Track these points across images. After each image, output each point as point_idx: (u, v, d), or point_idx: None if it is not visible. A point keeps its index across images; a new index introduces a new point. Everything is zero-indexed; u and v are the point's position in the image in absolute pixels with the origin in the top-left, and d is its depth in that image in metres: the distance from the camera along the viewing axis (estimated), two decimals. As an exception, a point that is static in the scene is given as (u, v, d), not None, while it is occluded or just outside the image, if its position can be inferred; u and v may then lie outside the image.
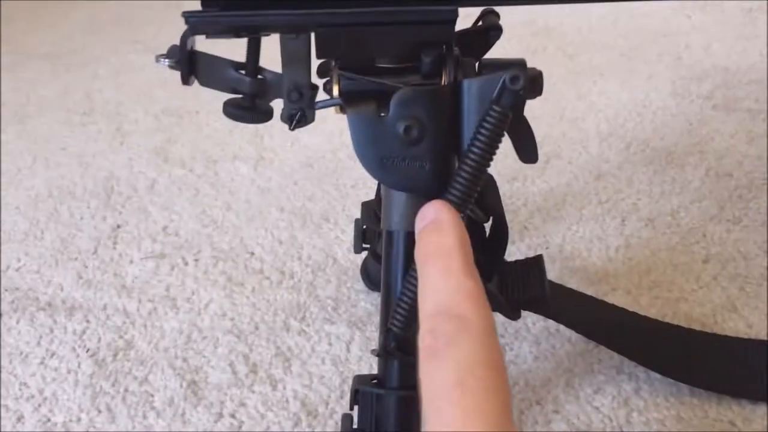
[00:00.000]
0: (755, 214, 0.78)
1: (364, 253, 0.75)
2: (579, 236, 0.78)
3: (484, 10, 0.54)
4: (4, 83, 1.38)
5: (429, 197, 0.49)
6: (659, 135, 0.95)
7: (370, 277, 0.75)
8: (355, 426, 0.51)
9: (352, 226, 0.84)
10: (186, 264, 0.82)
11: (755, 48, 1.15)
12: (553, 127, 0.99)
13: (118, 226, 0.90)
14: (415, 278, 0.46)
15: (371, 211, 0.68)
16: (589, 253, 0.75)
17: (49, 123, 1.21)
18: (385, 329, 0.48)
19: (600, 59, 1.18)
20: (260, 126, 1.11)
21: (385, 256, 0.50)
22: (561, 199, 0.85)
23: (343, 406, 0.62)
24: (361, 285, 0.75)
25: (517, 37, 1.25)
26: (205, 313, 0.74)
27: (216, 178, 0.99)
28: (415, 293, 0.46)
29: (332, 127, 1.07)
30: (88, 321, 0.75)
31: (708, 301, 0.67)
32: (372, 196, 0.73)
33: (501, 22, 0.54)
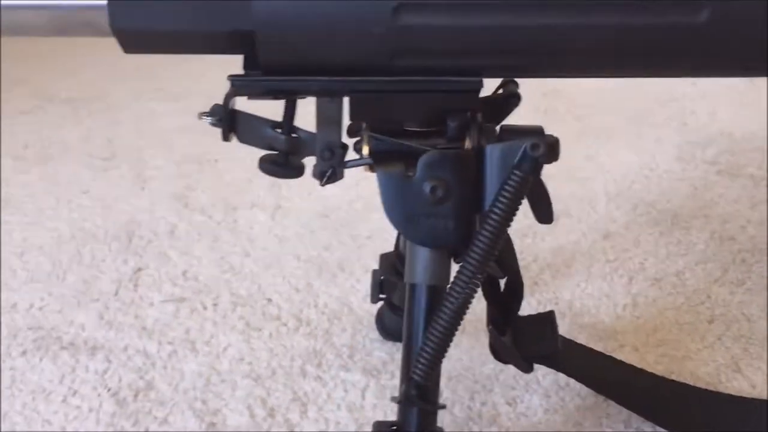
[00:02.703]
0: (758, 278, 0.81)
1: (380, 303, 0.77)
2: (588, 293, 0.81)
3: (505, 79, 0.58)
4: (27, 126, 1.42)
5: (452, 253, 0.52)
6: (665, 198, 0.98)
7: (385, 327, 0.77)
8: (373, 471, 0.53)
9: (367, 276, 0.87)
10: (205, 308, 0.84)
11: (758, 115, 1.19)
12: (562, 185, 1.02)
13: (139, 269, 0.93)
14: (436, 329, 0.49)
15: (389, 262, 0.71)
16: (597, 310, 0.78)
17: (71, 166, 1.25)
18: (407, 377, 0.50)
19: (608, 122, 1.22)
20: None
21: (407, 307, 0.53)
22: (570, 257, 0.88)
23: (358, 452, 0.64)
24: (375, 334, 0.78)
25: (528, 97, 1.29)
26: (223, 356, 0.77)
27: (235, 225, 1.02)
28: (436, 344, 0.49)
29: (348, 179, 1.10)
30: (109, 361, 0.77)
31: (712, 360, 0.70)
32: (387, 247, 0.76)
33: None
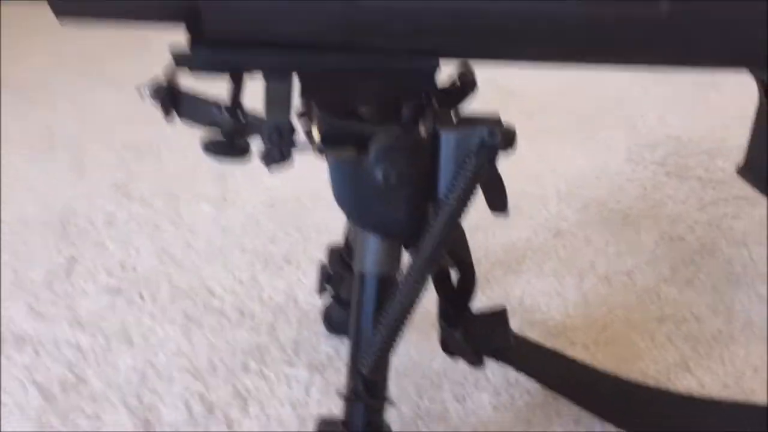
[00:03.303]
0: (706, 278, 0.81)
1: (327, 297, 0.75)
2: (539, 290, 0.80)
3: (461, 65, 0.56)
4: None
5: (403, 242, 0.50)
6: (615, 198, 0.98)
7: (332, 321, 0.75)
8: (316, 470, 0.50)
9: (314, 269, 0.84)
10: (143, 300, 0.81)
11: (705, 120, 1.21)
12: (513, 182, 1.01)
13: (74, 259, 0.89)
14: (386, 321, 0.47)
15: (337, 255, 0.69)
16: (548, 308, 0.77)
17: (9, 156, 1.19)
18: (354, 371, 0.48)
19: (559, 122, 1.22)
20: (223, 165, 1.11)
21: (355, 297, 0.50)
22: (521, 254, 0.87)
23: (301, 450, 0.61)
24: (322, 328, 0.75)
25: (480, 95, 1.28)
26: (161, 350, 0.73)
27: (177, 216, 0.98)
28: (386, 336, 0.47)
29: (293, 170, 1.08)
30: (38, 354, 0.73)
31: (662, 359, 0.69)
32: (335, 240, 0.74)
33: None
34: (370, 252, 0.49)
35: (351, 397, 0.48)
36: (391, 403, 0.51)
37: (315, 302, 0.79)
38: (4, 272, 0.86)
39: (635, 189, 1.00)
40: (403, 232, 0.49)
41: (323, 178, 1.15)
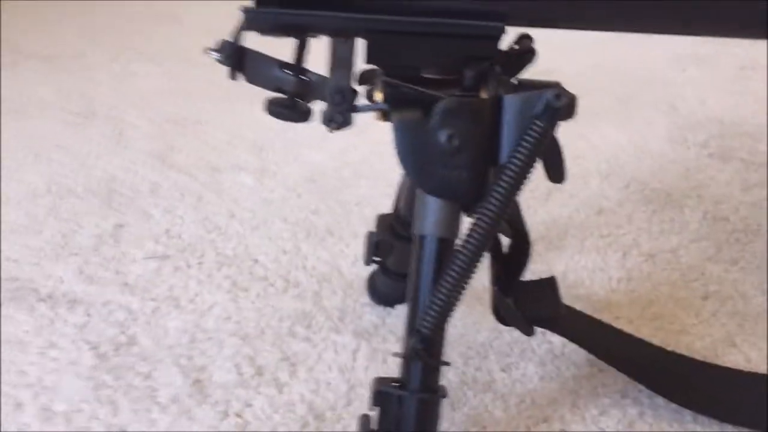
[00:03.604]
0: (751, 257, 0.81)
1: (371, 268, 0.76)
2: (581, 266, 0.80)
3: (521, 34, 0.56)
4: (2, 81, 1.38)
5: (464, 207, 0.50)
6: (657, 178, 0.98)
7: (376, 291, 0.75)
8: (373, 427, 0.51)
9: (356, 242, 0.85)
10: (189, 267, 0.82)
11: (746, 103, 1.20)
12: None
13: (120, 226, 0.90)
14: (447, 282, 0.47)
15: (387, 223, 0.69)
16: (591, 283, 0.77)
17: (49, 122, 1.21)
18: (413, 330, 0.49)
19: (597, 103, 1.21)
20: (263, 139, 1.12)
21: (414, 259, 0.51)
22: (563, 230, 0.87)
23: (350, 412, 0.62)
24: (366, 299, 0.76)
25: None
26: (209, 314, 0.74)
27: (219, 187, 0.99)
28: (447, 296, 0.47)
29: (334, 145, 1.09)
30: (89, 315, 0.74)
31: (708, 335, 0.69)
32: (375, 214, 0.74)
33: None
34: (431, 214, 0.50)
35: (409, 356, 0.49)
36: (448, 363, 0.52)
37: (359, 273, 0.80)
38: (53, 237, 0.88)
39: (677, 169, 0.99)
40: (465, 196, 0.49)
41: (364, 154, 1.16)
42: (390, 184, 0.98)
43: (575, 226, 0.88)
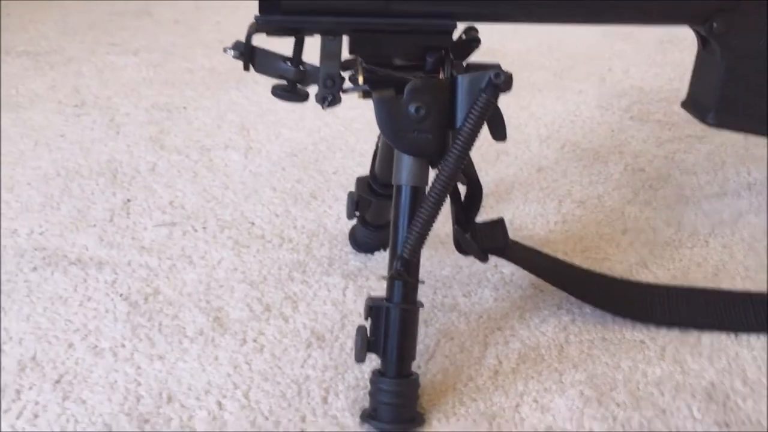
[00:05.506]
0: (662, 199, 0.99)
1: (352, 223, 0.91)
2: (525, 213, 0.97)
3: (468, 27, 0.72)
4: (-7, 77, 1.48)
5: (431, 161, 0.66)
6: (587, 139, 1.15)
7: (357, 241, 0.91)
8: (368, 335, 0.66)
9: (337, 204, 1.01)
10: (196, 231, 0.96)
11: (665, 73, 1.38)
12: (500, 130, 1.17)
13: (128, 201, 1.04)
14: (421, 216, 0.63)
15: (365, 183, 0.85)
16: (534, 226, 0.94)
17: (43, 113, 1.32)
18: (396, 256, 0.64)
19: (537, 77, 1.38)
20: (246, 121, 1.26)
21: (394, 203, 0.66)
22: (510, 186, 1.03)
23: (345, 333, 0.77)
24: (349, 248, 0.91)
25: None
26: (219, 268, 0.89)
27: (211, 164, 1.13)
28: (421, 227, 0.63)
29: (310, 125, 1.23)
30: (116, 273, 0.88)
31: (626, 260, 0.86)
32: (352, 181, 0.88)
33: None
34: (405, 169, 0.65)
35: (393, 276, 0.65)
36: (423, 281, 0.67)
37: (342, 228, 0.95)
38: (70, 212, 1.01)
39: (604, 131, 1.17)
40: (431, 154, 0.65)
41: (337, 131, 1.32)
42: (362, 154, 1.14)
43: (519, 182, 1.04)
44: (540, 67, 1.43)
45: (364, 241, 0.90)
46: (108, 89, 1.42)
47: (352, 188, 0.87)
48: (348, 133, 1.21)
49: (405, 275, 0.64)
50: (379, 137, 0.82)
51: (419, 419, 0.65)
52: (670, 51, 1.49)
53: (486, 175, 1.06)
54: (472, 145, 0.64)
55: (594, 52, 1.51)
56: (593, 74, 1.39)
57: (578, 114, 1.23)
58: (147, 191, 1.06)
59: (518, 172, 1.07)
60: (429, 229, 0.64)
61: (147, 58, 1.57)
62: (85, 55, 1.61)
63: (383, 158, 0.80)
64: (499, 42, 1.54)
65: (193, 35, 1.71)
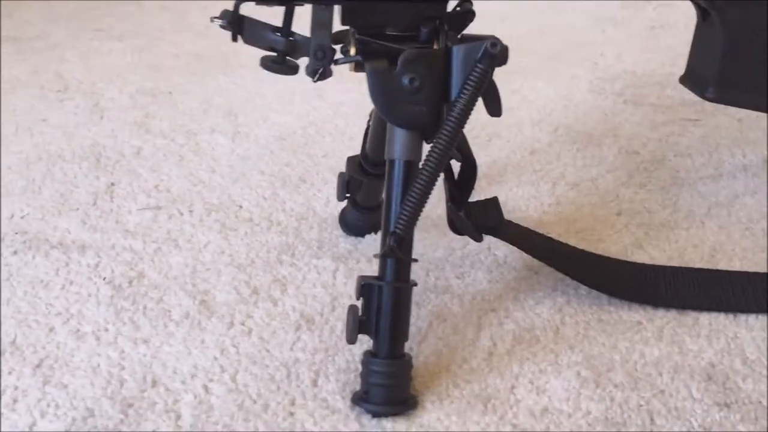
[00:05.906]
0: (656, 181, 0.97)
1: (342, 205, 0.89)
2: (519, 196, 0.95)
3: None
4: (-30, 63, 1.45)
5: (425, 134, 0.64)
6: (581, 122, 1.14)
7: (347, 224, 0.89)
8: (360, 315, 0.64)
9: (327, 187, 0.98)
10: (182, 214, 0.94)
11: (657, 57, 1.37)
12: (491, 114, 1.16)
13: (112, 184, 1.01)
14: (415, 191, 0.61)
15: (355, 163, 0.83)
16: (527, 208, 0.92)
17: (24, 98, 1.29)
18: (389, 232, 0.62)
19: (529, 62, 1.36)
20: (233, 105, 1.24)
21: (387, 179, 0.64)
22: (503, 169, 1.02)
23: (335, 316, 0.75)
24: (339, 231, 0.89)
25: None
26: (205, 251, 0.86)
27: (197, 147, 1.11)
28: (415, 203, 0.61)
29: (300, 108, 1.21)
30: (99, 257, 0.85)
31: (620, 241, 0.85)
32: (341, 165, 0.86)
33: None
34: (398, 142, 0.63)
35: (385, 254, 0.63)
36: (416, 260, 0.65)
37: (331, 211, 0.93)
38: (52, 196, 0.98)
39: (597, 114, 1.15)
40: (424, 127, 0.63)
41: (326, 114, 1.30)
42: (351, 138, 1.12)
43: (513, 164, 1.03)
44: (531, 51, 1.41)
45: (354, 223, 0.88)
46: (92, 74, 1.39)
47: (343, 171, 0.85)
48: (337, 116, 1.18)
49: (398, 252, 0.62)
50: (370, 116, 0.80)
51: (412, 401, 0.64)
52: (662, 36, 1.47)
53: (478, 158, 1.02)
54: (467, 117, 0.62)
55: (585, 38, 1.49)
56: (585, 59, 1.38)
57: (571, 98, 1.22)
58: (132, 175, 1.03)
59: (511, 155, 1.05)
60: (423, 205, 0.62)
61: (132, 43, 1.54)
62: (69, 40, 1.58)
63: (375, 135, 0.78)
64: (489, 26, 1.52)
65: (179, 21, 1.68)
